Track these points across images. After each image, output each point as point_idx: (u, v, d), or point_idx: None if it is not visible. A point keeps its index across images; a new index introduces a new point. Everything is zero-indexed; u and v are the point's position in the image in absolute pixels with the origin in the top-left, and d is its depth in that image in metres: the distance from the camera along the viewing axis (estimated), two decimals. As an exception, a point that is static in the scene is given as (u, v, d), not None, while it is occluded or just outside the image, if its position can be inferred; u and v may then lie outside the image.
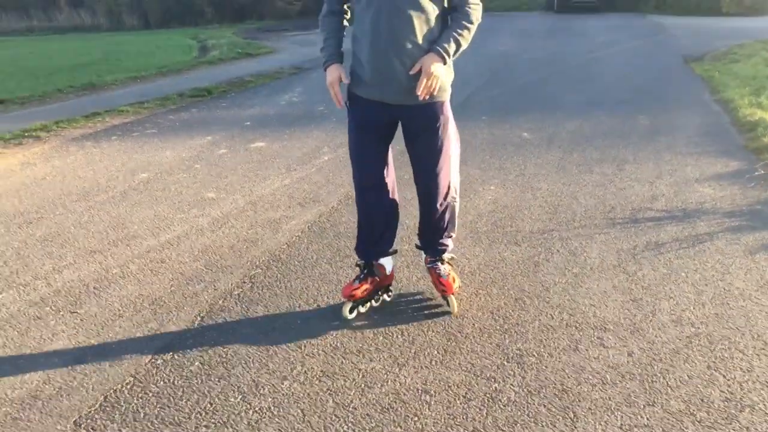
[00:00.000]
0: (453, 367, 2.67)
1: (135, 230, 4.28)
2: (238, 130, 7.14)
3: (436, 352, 2.79)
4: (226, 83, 10.37)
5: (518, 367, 2.65)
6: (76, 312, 3.23)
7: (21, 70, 13.20)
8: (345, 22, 2.92)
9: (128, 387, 2.61)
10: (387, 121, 2.89)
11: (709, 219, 4.12)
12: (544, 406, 2.41)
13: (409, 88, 2.70)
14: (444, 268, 3.13)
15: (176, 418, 2.42)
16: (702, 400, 2.41)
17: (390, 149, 3.00)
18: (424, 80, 2.65)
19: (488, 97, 8.56)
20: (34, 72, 12.69)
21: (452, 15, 2.76)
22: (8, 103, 9.21)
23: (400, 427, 2.33)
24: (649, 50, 12.74)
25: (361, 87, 2.83)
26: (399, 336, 2.92)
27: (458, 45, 2.71)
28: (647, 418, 2.32)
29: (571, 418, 2.34)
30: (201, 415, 2.43)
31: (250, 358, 2.79)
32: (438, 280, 3.10)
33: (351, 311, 3.08)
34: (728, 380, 2.52)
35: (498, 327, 2.96)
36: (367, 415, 2.40)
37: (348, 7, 2.91)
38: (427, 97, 2.72)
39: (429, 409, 2.42)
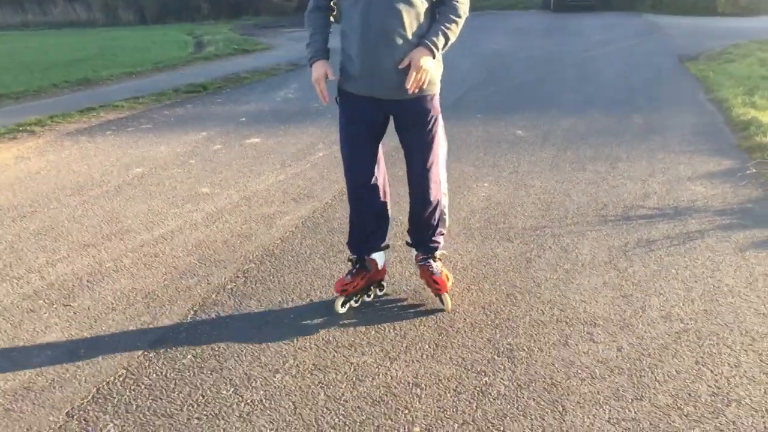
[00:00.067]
0: (444, 361, 2.69)
1: (129, 224, 4.28)
2: (233, 126, 7.14)
3: (427, 346, 2.81)
4: (221, 79, 10.37)
5: (508, 362, 2.67)
6: (70, 305, 3.24)
7: (16, 64, 13.17)
8: (331, 18, 2.93)
9: (121, 379, 2.62)
10: (378, 117, 2.90)
11: (701, 217, 4.15)
12: (534, 399, 2.43)
13: (398, 83, 2.71)
14: (436, 266, 3.13)
15: (168, 410, 2.43)
16: (689, 395, 2.43)
17: (381, 146, 3.01)
18: (414, 74, 2.66)
19: (483, 95, 8.58)
20: (30, 67, 12.66)
21: (440, 9, 2.77)
22: (3, 97, 9.19)
23: (391, 419, 2.35)
24: (645, 49, 12.77)
25: (351, 83, 2.84)
26: (391, 330, 2.94)
27: (447, 39, 2.73)
28: (635, 412, 2.35)
29: (559, 411, 2.36)
30: (193, 407, 2.44)
31: (242, 351, 2.80)
32: (431, 278, 3.09)
33: (343, 306, 3.10)
34: (716, 375, 2.55)
35: (489, 322, 2.98)
36: (358, 407, 2.42)
37: (334, 4, 2.92)
38: (417, 90, 2.73)
39: (419, 402, 2.44)
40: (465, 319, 3.01)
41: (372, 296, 3.21)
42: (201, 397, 2.50)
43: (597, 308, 3.07)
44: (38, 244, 3.98)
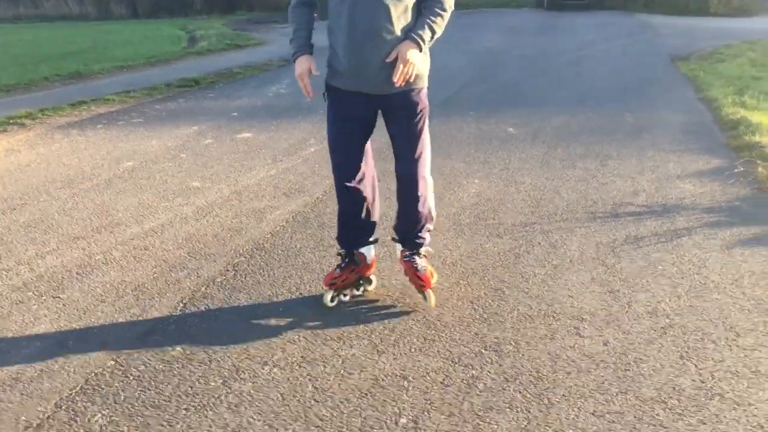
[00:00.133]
0: (432, 355, 2.71)
1: (119, 218, 4.28)
2: (225, 121, 7.14)
3: (415, 339, 2.83)
4: (214, 74, 10.34)
5: (495, 355, 2.69)
6: (59, 297, 3.24)
7: (7, 57, 13.08)
8: (315, 15, 2.93)
9: (109, 370, 2.63)
10: (366, 112, 2.90)
11: (689, 214, 4.18)
12: (520, 392, 2.46)
13: (386, 77, 2.72)
14: (421, 262, 3.12)
15: (156, 401, 2.44)
16: (673, 389, 2.46)
17: (369, 142, 3.01)
18: (401, 67, 2.67)
19: (476, 93, 8.60)
20: (21, 60, 12.58)
21: (425, 3, 2.78)
22: (-7, 90, 9.15)
23: (378, 411, 2.37)
24: (637, 49, 12.82)
25: (338, 78, 2.85)
26: (379, 324, 2.96)
27: (433, 32, 2.74)
28: (619, 405, 2.37)
29: (545, 404, 2.39)
30: (181, 398, 2.46)
31: (231, 343, 2.81)
32: (416, 274, 3.08)
33: (332, 299, 3.12)
34: (700, 369, 2.58)
35: (477, 316, 3.01)
36: (346, 399, 2.44)
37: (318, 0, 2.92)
38: (404, 84, 2.74)
39: (407, 394, 2.46)
40: (453, 314, 3.03)
41: (361, 290, 3.23)
42: (189, 389, 2.51)
43: (584, 303, 3.10)
44: (28, 237, 3.98)
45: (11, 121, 7.04)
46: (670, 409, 2.35)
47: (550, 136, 6.22)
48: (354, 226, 3.12)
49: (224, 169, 5.35)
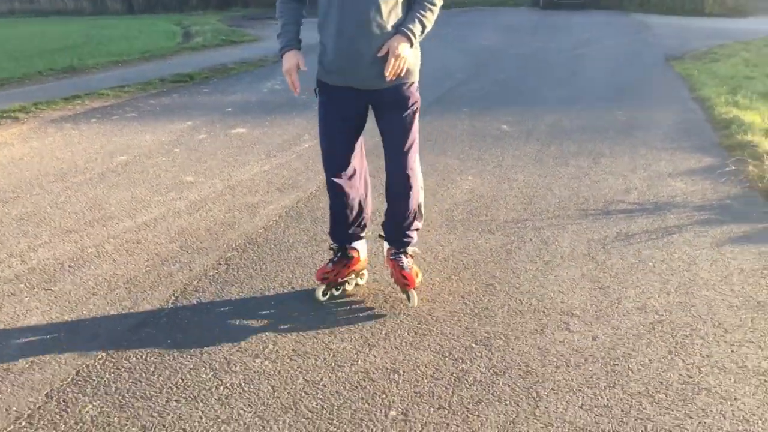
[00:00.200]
0: (422, 348, 2.73)
1: (112, 211, 4.28)
2: (219, 116, 7.13)
3: (406, 333, 2.84)
4: (208, 69, 10.33)
5: (485, 349, 2.71)
6: (51, 289, 3.24)
7: (1, 51, 13.04)
8: (304, 12, 2.92)
9: (101, 362, 2.64)
10: (357, 108, 2.90)
11: (680, 212, 4.21)
12: (509, 386, 2.47)
13: (377, 72, 2.72)
14: (407, 261, 3.10)
15: (147, 392, 2.45)
16: (661, 383, 2.48)
17: (361, 137, 3.01)
18: (392, 61, 2.67)
19: (471, 90, 8.61)
20: (15, 54, 12.54)
21: None
22: (-13, 84, 9.12)
23: (368, 403, 2.38)
24: (632, 48, 12.86)
25: (329, 74, 2.85)
26: (371, 318, 2.97)
27: (423, 26, 2.75)
28: (607, 399, 2.39)
29: (534, 397, 2.40)
30: (172, 390, 2.46)
31: (222, 336, 2.82)
32: (401, 273, 3.05)
33: (324, 294, 3.13)
34: (687, 364, 2.60)
35: (468, 311, 3.02)
36: (336, 392, 2.45)
37: None
38: (395, 78, 2.74)
39: (397, 387, 2.47)
40: (444, 308, 3.04)
41: (353, 285, 3.24)
42: (180, 381, 2.52)
43: (574, 299, 3.12)
44: (20, 229, 3.97)
45: (4, 115, 7.03)
46: (657, 403, 2.37)
47: (543, 134, 6.24)
48: (345, 222, 3.12)
49: (218, 164, 5.35)
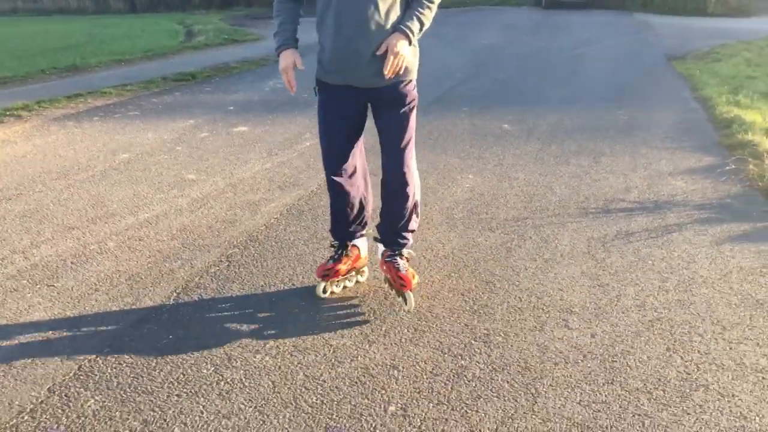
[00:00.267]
0: (422, 345, 2.74)
1: (114, 209, 4.30)
2: (221, 115, 7.15)
3: (406, 330, 2.86)
4: (210, 68, 10.36)
5: (485, 346, 2.73)
6: (53, 285, 3.26)
7: (4, 50, 13.07)
8: (301, 11, 2.92)
9: (102, 357, 2.66)
10: (356, 106, 2.90)
11: (680, 211, 4.22)
12: (508, 382, 2.49)
13: (376, 71, 2.73)
14: (403, 263, 3.08)
15: (149, 387, 2.47)
16: (659, 380, 2.50)
17: (362, 136, 3.02)
18: (391, 59, 2.67)
19: (471, 89, 8.62)
20: (18, 53, 12.58)
21: None
22: (-10, 82, 9.15)
23: (368, 398, 2.40)
24: (634, 48, 12.86)
25: (328, 73, 2.85)
26: (371, 314, 2.99)
27: (421, 24, 2.75)
28: (605, 395, 2.41)
29: (532, 393, 2.42)
30: (173, 385, 2.48)
31: (223, 332, 2.84)
32: (397, 274, 3.01)
33: (324, 291, 3.14)
34: (685, 362, 2.62)
35: (467, 308, 3.04)
36: (336, 387, 2.47)
37: None
38: (393, 76, 2.75)
39: (396, 383, 2.49)
40: (444, 305, 3.06)
41: (353, 282, 3.26)
42: (182, 376, 2.54)
43: (573, 296, 3.13)
44: (23, 226, 4.00)
45: (8, 113, 7.05)
46: (655, 400, 2.38)
47: (544, 133, 6.25)
48: (346, 220, 3.13)
49: (219, 162, 5.37)
